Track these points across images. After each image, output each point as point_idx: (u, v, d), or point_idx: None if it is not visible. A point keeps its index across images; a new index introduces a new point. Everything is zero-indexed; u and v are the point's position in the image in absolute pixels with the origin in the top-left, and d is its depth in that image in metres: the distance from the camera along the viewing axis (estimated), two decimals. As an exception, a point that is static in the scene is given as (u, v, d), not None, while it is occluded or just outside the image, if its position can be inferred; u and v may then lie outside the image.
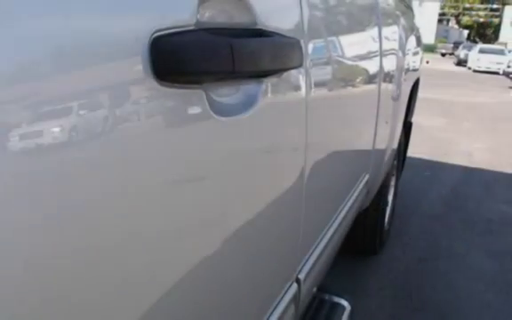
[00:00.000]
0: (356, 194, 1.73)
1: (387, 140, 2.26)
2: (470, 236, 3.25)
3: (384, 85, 1.92)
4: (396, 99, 2.30)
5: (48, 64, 0.39)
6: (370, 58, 1.68)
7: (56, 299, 0.42)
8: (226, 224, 0.70)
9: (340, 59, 1.28)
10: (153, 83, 0.49)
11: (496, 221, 3.53)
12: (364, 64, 1.60)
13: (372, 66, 1.71)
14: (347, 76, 1.40)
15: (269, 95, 0.78)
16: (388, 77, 2.00)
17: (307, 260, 1.16)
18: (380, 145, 2.11)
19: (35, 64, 0.38)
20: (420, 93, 3.61)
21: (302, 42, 0.88)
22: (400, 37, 2.34)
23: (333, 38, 1.22)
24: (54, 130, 0.39)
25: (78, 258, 0.43)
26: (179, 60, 0.52)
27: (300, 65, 0.84)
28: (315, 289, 1.40)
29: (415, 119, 3.61)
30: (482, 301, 2.43)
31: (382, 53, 1.83)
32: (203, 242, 0.65)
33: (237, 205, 0.74)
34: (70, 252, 0.42)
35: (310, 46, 0.98)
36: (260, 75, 0.73)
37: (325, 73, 1.14)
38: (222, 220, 0.69)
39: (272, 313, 0.95)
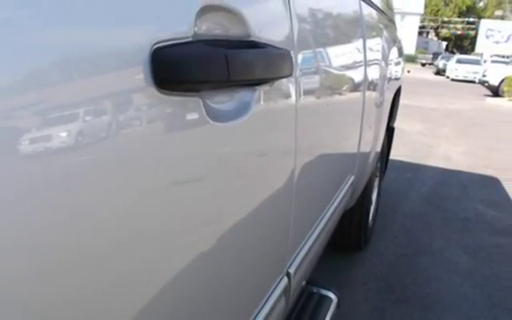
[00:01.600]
0: (342, 193, 1.74)
1: (371, 143, 2.27)
2: (448, 232, 3.28)
3: (368, 93, 1.93)
4: (379, 105, 2.31)
5: (57, 72, 0.39)
6: (355, 67, 1.69)
7: (62, 298, 0.42)
8: (221, 222, 0.71)
9: (328, 68, 1.29)
10: (153, 90, 0.50)
11: (472, 220, 3.56)
12: (349, 73, 1.61)
13: (357, 75, 1.72)
14: (333, 84, 1.41)
15: (262, 102, 0.79)
16: (371, 86, 2.01)
17: (296, 255, 1.17)
18: (365, 148, 2.12)
19: (44, 72, 0.38)
20: (402, 100, 3.63)
21: (292, 53, 0.89)
22: (383, 48, 2.36)
23: (321, 49, 1.23)
24: (61, 134, 0.40)
25: (76, 256, 0.43)
26: (177, 69, 0.53)
27: (290, 74, 0.85)
28: (304, 282, 1.40)
29: (397, 124, 3.63)
30: (460, 294, 2.45)
31: (366, 63, 1.84)
32: (199, 238, 0.65)
33: (231, 204, 0.74)
34: (73, 250, 0.42)
35: (300, 57, 0.98)
36: (254, 83, 0.75)
37: (314, 82, 1.15)
38: (217, 218, 0.70)
39: (264, 305, 0.95)
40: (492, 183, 4.60)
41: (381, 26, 2.45)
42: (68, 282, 0.42)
